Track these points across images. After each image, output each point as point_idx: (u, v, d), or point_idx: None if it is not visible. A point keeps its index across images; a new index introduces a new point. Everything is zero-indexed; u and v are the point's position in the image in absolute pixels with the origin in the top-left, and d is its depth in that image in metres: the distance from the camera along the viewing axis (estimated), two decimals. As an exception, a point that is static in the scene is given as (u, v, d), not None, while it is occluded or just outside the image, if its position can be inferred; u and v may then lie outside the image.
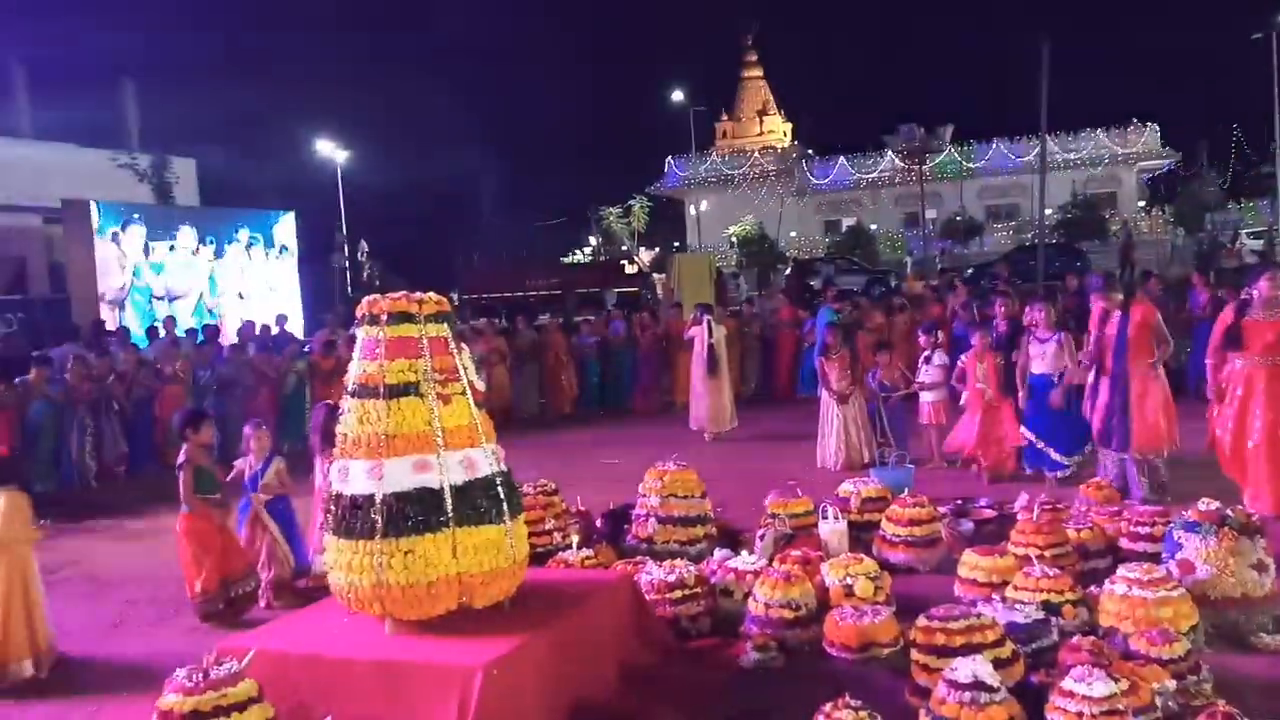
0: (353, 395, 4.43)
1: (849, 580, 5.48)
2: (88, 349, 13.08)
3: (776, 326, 16.10)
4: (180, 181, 24.30)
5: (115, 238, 18.81)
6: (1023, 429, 8.61)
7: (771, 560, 5.93)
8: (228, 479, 6.61)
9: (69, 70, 30.01)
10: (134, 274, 19.06)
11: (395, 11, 63.52)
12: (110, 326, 16.60)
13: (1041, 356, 8.48)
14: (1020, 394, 8.62)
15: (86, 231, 18.50)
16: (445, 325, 4.55)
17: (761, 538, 6.52)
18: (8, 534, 5.48)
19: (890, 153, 45.57)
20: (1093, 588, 5.19)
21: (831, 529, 6.62)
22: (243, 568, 6.40)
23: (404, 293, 4.52)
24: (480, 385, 4.59)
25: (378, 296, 4.52)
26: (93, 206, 18.66)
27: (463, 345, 4.64)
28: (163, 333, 15.38)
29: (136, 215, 19.47)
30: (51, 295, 20.79)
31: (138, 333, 16.38)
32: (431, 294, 4.55)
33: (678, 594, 5.43)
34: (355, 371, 4.46)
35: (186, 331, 15.71)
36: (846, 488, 7.26)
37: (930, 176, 43.00)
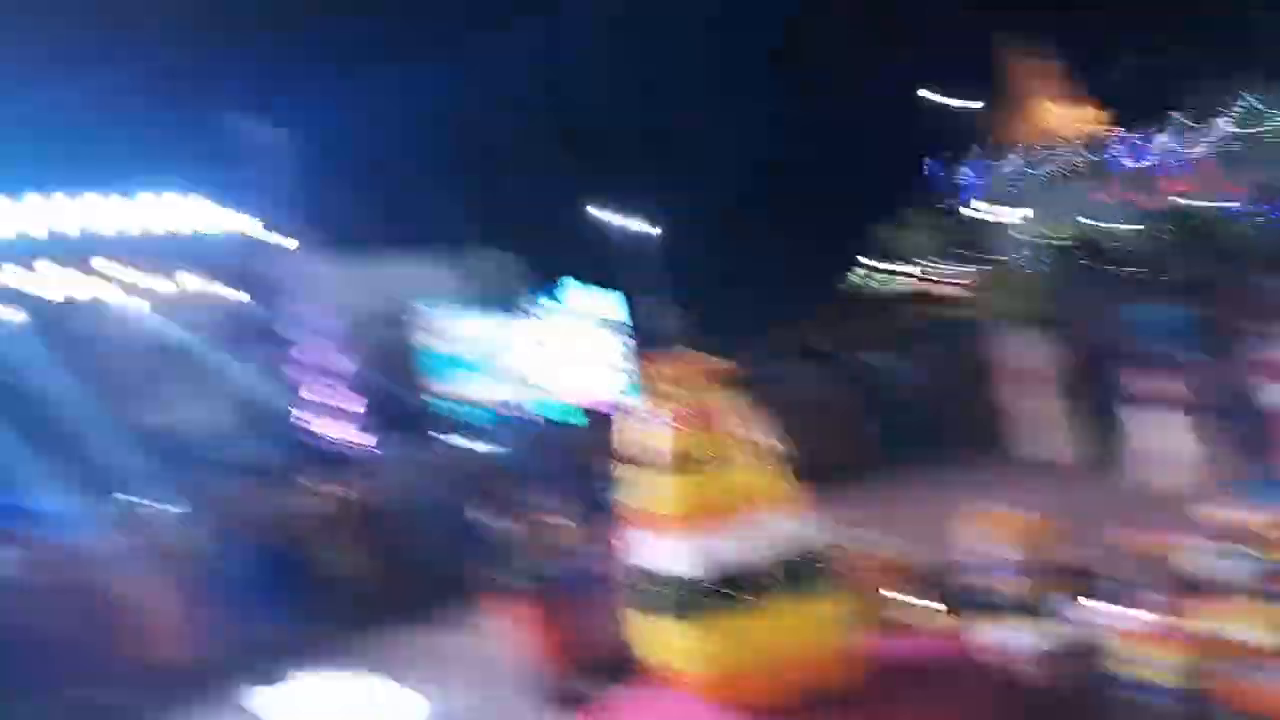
0: (641, 465, 4.29)
1: None
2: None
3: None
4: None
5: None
6: None
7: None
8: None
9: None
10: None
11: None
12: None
13: None
14: None
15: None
16: (733, 389, 4.34)
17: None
18: None
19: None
20: None
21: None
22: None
23: (689, 357, 4.40)
24: (779, 447, 4.31)
25: (663, 364, 4.41)
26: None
27: (756, 408, 4.39)
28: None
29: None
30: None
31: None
32: (717, 359, 4.38)
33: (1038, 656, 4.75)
34: (643, 441, 4.33)
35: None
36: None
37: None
